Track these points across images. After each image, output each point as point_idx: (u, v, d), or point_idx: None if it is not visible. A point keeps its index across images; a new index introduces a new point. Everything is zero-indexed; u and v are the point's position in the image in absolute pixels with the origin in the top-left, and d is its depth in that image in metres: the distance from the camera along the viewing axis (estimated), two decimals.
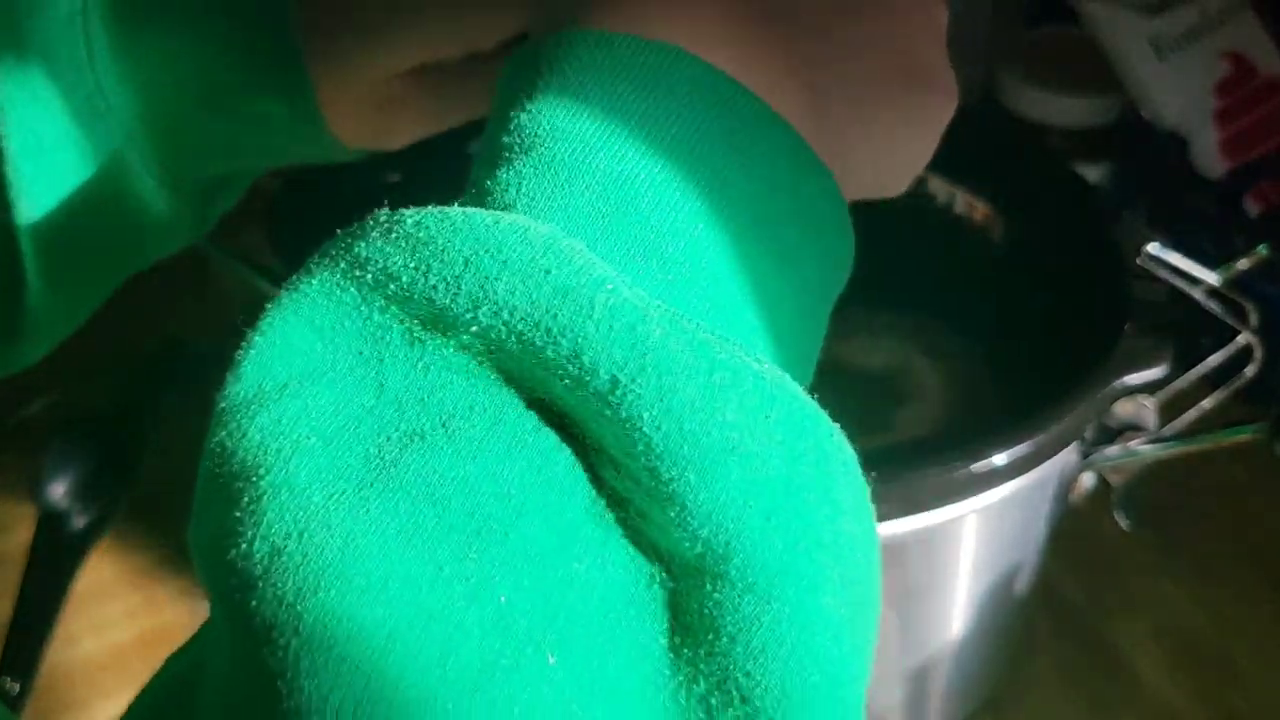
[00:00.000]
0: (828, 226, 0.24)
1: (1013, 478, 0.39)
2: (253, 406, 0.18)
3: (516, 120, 0.21)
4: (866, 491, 0.20)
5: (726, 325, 0.21)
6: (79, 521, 0.59)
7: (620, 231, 0.20)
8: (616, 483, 0.18)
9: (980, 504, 0.40)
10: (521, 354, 0.18)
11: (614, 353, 0.18)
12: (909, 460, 0.39)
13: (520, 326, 0.18)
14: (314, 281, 0.19)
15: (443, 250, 0.19)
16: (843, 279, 0.25)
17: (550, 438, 0.19)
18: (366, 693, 0.16)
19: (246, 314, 0.19)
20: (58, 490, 0.59)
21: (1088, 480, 0.45)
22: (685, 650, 0.18)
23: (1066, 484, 0.44)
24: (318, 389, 0.18)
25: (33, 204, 0.32)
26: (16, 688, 0.52)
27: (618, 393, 0.18)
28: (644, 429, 0.17)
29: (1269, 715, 0.50)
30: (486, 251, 0.18)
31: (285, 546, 0.17)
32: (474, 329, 0.18)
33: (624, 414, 0.18)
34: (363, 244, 0.19)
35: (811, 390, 0.20)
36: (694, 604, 0.18)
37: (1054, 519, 0.46)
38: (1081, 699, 0.51)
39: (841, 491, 0.19)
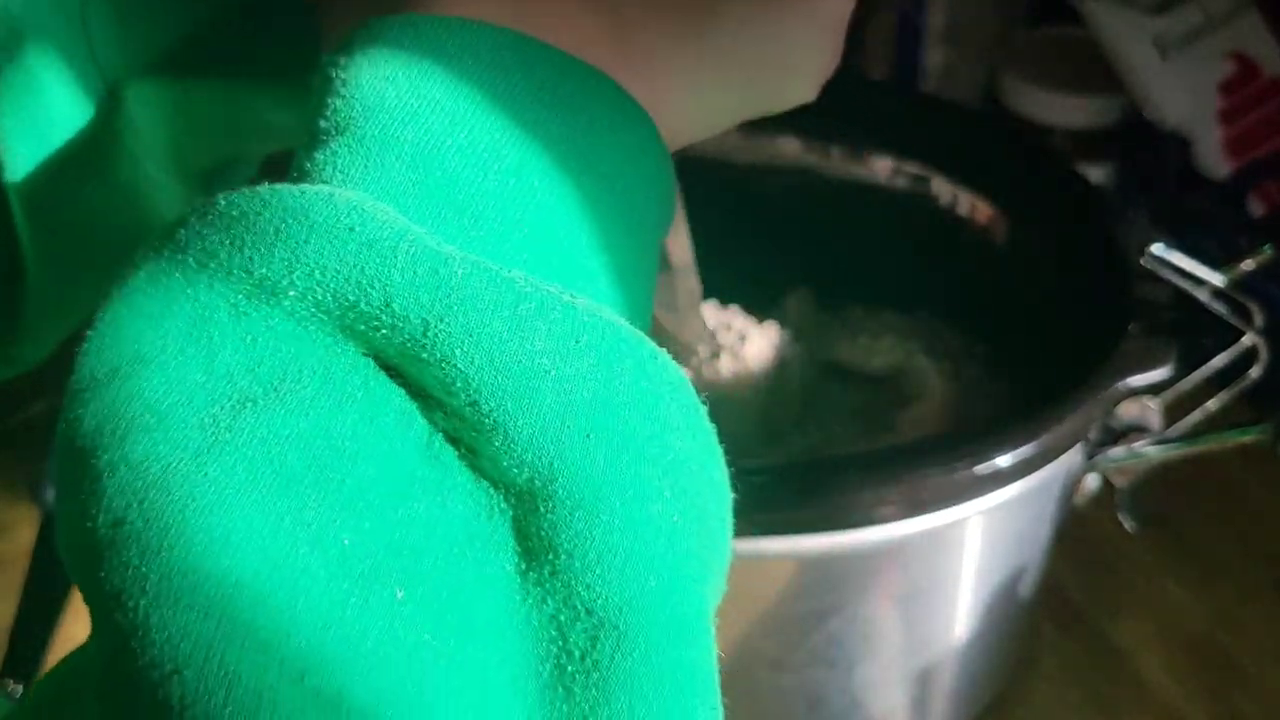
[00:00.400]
0: (648, 162, 0.24)
1: (1017, 479, 0.39)
2: (85, 395, 0.19)
3: (331, 105, 0.22)
4: (700, 410, 0.21)
5: (551, 268, 0.21)
6: None
7: (431, 196, 0.21)
8: (446, 424, 0.19)
9: (984, 505, 0.40)
10: (340, 311, 0.19)
11: (420, 297, 0.19)
12: (912, 461, 0.39)
13: (333, 284, 0.19)
14: (140, 273, 0.20)
15: (254, 223, 0.19)
16: (669, 216, 0.25)
17: (381, 389, 0.19)
18: (217, 637, 0.17)
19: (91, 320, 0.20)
20: None
21: (1092, 481, 0.45)
22: (531, 573, 0.19)
23: (1071, 485, 0.44)
24: (148, 371, 0.19)
25: (30, 194, 0.32)
26: (19, 690, 0.52)
27: (429, 334, 0.19)
28: (459, 365, 0.19)
29: (1273, 716, 0.50)
30: (294, 218, 0.19)
31: (126, 516, 0.18)
32: (292, 293, 0.19)
33: (439, 354, 0.19)
34: (181, 230, 0.20)
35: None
36: (532, 527, 0.19)
37: (1058, 520, 0.46)
38: (1086, 700, 0.51)
39: (667, 409, 0.20)
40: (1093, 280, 0.46)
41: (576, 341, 0.19)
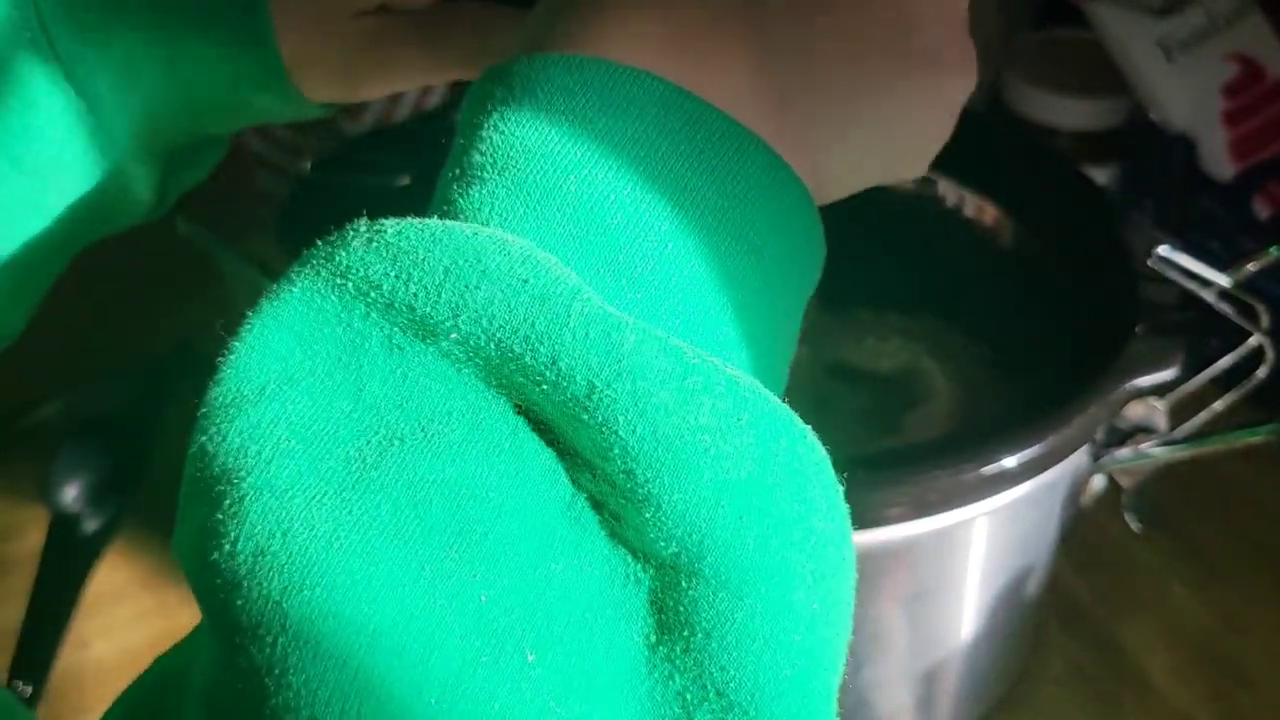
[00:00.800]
0: (799, 232, 0.24)
1: (1023, 480, 0.39)
2: (231, 410, 0.19)
3: (489, 139, 0.22)
4: (839, 491, 0.20)
5: (700, 337, 0.21)
6: (90, 525, 0.59)
7: (592, 252, 0.21)
8: (592, 486, 0.19)
9: (991, 506, 0.40)
10: (501, 361, 0.19)
11: (590, 359, 0.18)
12: (919, 462, 0.39)
13: (499, 334, 0.19)
14: (295, 289, 0.20)
15: (423, 259, 0.19)
16: (813, 283, 0.25)
17: (529, 442, 0.19)
18: (353, 688, 0.17)
19: (231, 322, 0.20)
20: (69, 494, 0.59)
21: (1098, 482, 0.45)
22: (662, 647, 0.19)
23: (1077, 486, 0.44)
24: (296, 393, 0.19)
25: None
26: (28, 691, 0.52)
27: (594, 398, 0.18)
28: (620, 433, 0.18)
29: (1278, 718, 0.50)
30: (466, 261, 0.19)
31: (269, 546, 0.17)
32: (454, 336, 0.19)
33: (600, 418, 0.18)
34: (344, 253, 0.20)
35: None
36: (670, 601, 0.19)
37: (1064, 521, 0.46)
38: (1091, 701, 0.51)
39: (814, 490, 0.19)
40: (1099, 282, 0.46)
41: (738, 420, 0.19)
